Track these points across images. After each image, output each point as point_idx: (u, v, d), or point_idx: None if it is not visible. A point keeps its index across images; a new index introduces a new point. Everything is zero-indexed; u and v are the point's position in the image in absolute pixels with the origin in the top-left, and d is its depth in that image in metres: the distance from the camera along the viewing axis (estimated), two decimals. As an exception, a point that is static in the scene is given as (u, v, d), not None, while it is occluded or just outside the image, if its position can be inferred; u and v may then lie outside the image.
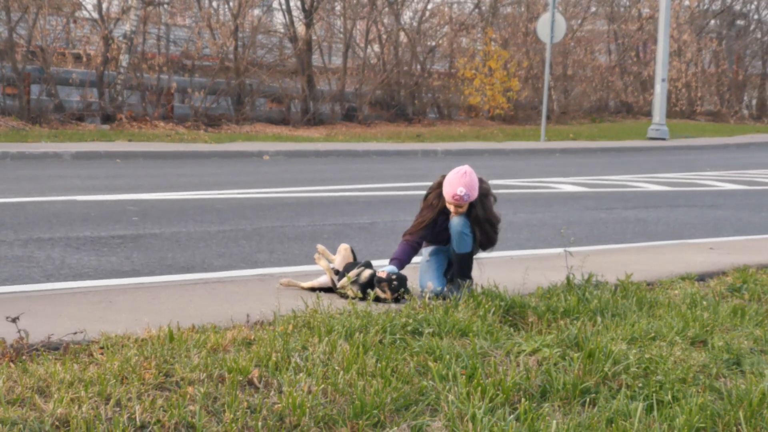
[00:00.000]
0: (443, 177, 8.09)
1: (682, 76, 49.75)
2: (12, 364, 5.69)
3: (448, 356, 6.13)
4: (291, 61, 36.58)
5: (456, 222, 8.05)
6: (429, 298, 7.48)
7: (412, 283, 8.08)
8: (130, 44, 31.00)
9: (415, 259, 8.35)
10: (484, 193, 8.10)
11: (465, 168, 7.98)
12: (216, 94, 32.82)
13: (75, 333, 6.29)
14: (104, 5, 31.34)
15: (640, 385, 5.99)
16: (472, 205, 8.03)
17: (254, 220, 13.37)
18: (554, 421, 5.33)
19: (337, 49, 40.39)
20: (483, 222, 8.07)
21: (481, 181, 8.08)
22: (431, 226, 8.15)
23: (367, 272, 7.99)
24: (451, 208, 8.04)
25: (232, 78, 33.40)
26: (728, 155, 32.63)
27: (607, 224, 14.44)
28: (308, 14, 37.02)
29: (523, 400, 5.59)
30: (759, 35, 54.81)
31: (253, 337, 6.36)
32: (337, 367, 5.82)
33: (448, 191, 7.96)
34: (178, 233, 11.97)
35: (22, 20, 30.14)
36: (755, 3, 54.34)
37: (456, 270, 8.18)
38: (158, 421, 5.06)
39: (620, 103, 48.72)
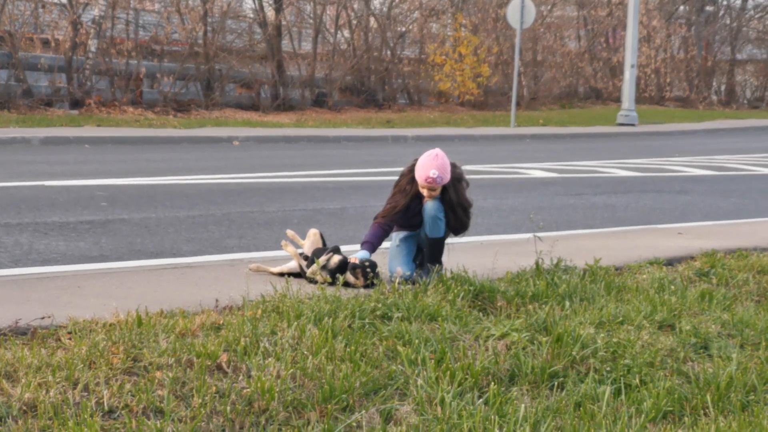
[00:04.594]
0: (415, 161, 8.08)
1: (651, 62, 49.93)
2: (-21, 350, 5.66)
3: (417, 341, 6.14)
4: (261, 47, 36.50)
5: (430, 206, 8.05)
6: (398, 283, 7.48)
7: (381, 269, 8.08)
8: (98, 29, 30.86)
9: (384, 243, 8.35)
10: (457, 177, 8.11)
11: (436, 151, 7.99)
12: (185, 79, 32.71)
13: (43, 318, 6.28)
14: (73, -10, 31.19)
15: (608, 368, 6.02)
16: (445, 189, 8.04)
17: (224, 205, 13.34)
18: (523, 405, 5.35)
19: (307, 34, 40.34)
20: (456, 206, 8.08)
21: (454, 166, 8.09)
22: (403, 211, 8.14)
23: (336, 258, 7.98)
24: (425, 192, 8.04)
25: (202, 63, 33.30)
26: (697, 141, 32.76)
27: (576, 210, 14.47)
28: (278, -1, 36.98)
29: (491, 384, 5.60)
30: (728, 21, 55.08)
31: (221, 322, 6.35)
32: (305, 352, 5.82)
33: (420, 175, 7.96)
34: (147, 219, 11.93)
35: (-10, 5, 29.98)
36: (724, -11, 54.64)
37: (427, 255, 8.18)
38: (126, 405, 5.05)
39: (590, 89, 48.89)
